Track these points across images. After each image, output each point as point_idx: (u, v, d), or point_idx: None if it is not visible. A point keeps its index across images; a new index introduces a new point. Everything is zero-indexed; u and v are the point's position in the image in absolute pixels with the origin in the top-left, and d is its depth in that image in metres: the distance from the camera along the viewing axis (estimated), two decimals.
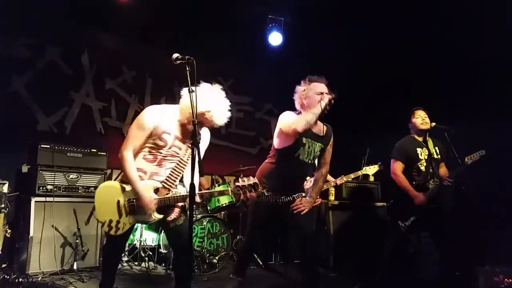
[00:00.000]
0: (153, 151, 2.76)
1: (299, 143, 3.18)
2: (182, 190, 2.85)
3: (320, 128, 3.30)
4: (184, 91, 2.70)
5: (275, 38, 5.97)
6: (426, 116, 4.03)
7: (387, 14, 4.97)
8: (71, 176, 4.30)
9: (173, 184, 2.80)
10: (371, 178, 5.31)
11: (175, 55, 2.47)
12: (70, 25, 5.07)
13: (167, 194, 2.75)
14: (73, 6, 4.89)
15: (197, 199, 2.63)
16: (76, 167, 4.33)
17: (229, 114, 2.80)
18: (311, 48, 6.01)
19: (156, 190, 2.74)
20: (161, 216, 2.74)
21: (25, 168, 4.35)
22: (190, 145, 2.74)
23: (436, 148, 4.08)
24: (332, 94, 3.13)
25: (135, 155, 2.77)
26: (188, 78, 2.42)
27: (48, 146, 4.21)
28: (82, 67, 5.34)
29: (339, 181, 4.81)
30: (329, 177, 4.99)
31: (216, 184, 4.93)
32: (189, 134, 2.72)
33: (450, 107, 4.62)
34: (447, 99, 4.77)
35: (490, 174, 4.20)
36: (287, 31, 5.95)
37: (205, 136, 2.95)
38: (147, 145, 2.76)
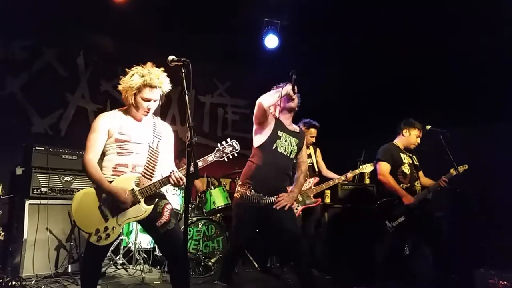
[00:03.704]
0: (123, 145, 2.74)
1: (275, 136, 3.33)
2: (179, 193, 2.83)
3: (294, 127, 3.51)
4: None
5: (271, 41, 5.98)
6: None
7: (385, 16, 4.98)
8: (65, 179, 4.27)
9: (152, 173, 2.77)
10: (367, 181, 5.32)
11: (171, 57, 2.47)
12: (66, 27, 5.07)
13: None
14: (69, 8, 4.88)
15: (178, 175, 2.66)
16: (71, 169, 4.30)
17: (166, 76, 2.79)
18: (307, 51, 6.02)
19: (138, 183, 2.70)
20: (150, 207, 2.70)
21: (19, 170, 4.32)
22: (155, 134, 2.86)
23: (414, 156, 4.26)
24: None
25: (108, 156, 2.76)
26: (184, 81, 2.42)
27: (43, 148, 4.18)
28: (77, 69, 5.34)
29: (344, 176, 4.86)
30: (333, 175, 5.02)
31: (212, 187, 4.91)
32: (145, 121, 2.86)
33: (449, 110, 4.65)
34: (447, 102, 4.79)
35: (485, 177, 4.23)
36: (283, 33, 5.96)
37: (167, 129, 2.99)
38: (113, 143, 2.74)
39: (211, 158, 2.76)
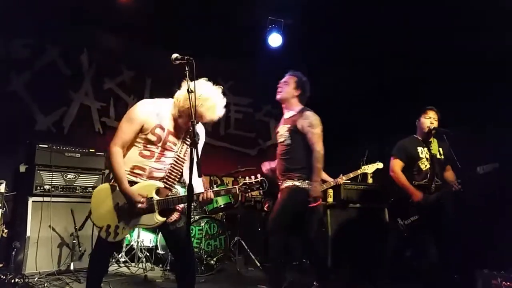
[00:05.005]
0: (148, 146, 2.64)
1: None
2: (181, 191, 2.82)
3: (290, 113, 3.72)
4: (184, 84, 2.59)
5: (275, 40, 5.98)
6: (436, 118, 4.00)
7: (387, 16, 4.97)
8: (68, 176, 4.28)
9: (174, 182, 2.71)
10: (370, 180, 5.30)
11: (174, 55, 2.45)
12: (70, 25, 5.07)
13: (168, 194, 2.66)
14: (72, 6, 4.88)
15: (210, 195, 2.61)
16: (74, 167, 4.33)
17: (222, 110, 2.66)
18: (310, 50, 6.01)
19: (157, 191, 2.63)
20: (163, 219, 2.63)
21: (22, 168, 4.34)
22: (186, 141, 2.72)
23: (440, 149, 4.05)
24: None
25: (130, 151, 2.66)
26: (187, 79, 2.42)
27: (46, 146, 4.20)
28: (81, 67, 5.34)
29: (339, 180, 4.82)
30: (328, 177, 5.00)
31: (215, 185, 4.92)
32: (183, 129, 2.71)
33: (451, 110, 4.62)
34: (449, 102, 4.77)
35: (486, 176, 4.20)
36: (286, 32, 5.95)
37: (201, 134, 2.79)
38: (140, 140, 2.65)
39: (234, 190, 2.68)
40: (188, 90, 2.38)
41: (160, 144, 2.65)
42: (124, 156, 2.64)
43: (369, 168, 4.89)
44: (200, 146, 2.77)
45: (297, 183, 3.51)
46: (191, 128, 2.34)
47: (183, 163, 2.74)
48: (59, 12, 4.89)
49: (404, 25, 4.88)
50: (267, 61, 6.20)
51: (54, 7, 4.79)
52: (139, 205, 2.55)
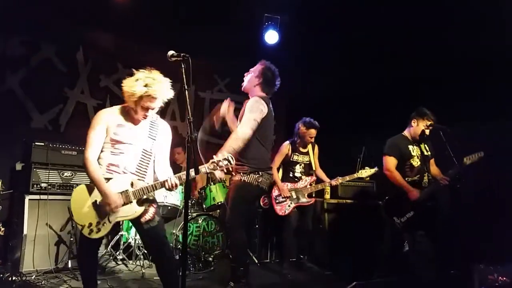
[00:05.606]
0: (116, 145, 2.82)
1: None
2: (169, 194, 2.89)
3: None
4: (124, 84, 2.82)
5: (271, 37, 5.96)
6: (432, 125, 4.04)
7: (387, 16, 4.96)
8: (65, 174, 4.27)
9: (145, 173, 2.88)
10: (366, 178, 5.31)
11: (170, 52, 2.48)
12: (65, 22, 5.04)
13: (141, 185, 2.81)
14: (68, 3, 4.85)
15: (175, 180, 2.73)
16: (70, 165, 4.32)
17: (170, 87, 2.84)
18: (307, 47, 6.00)
19: (132, 184, 2.80)
20: (142, 209, 2.80)
21: (19, 166, 4.33)
22: (150, 137, 2.92)
23: (426, 145, 4.13)
24: None
25: (102, 153, 2.83)
26: (184, 76, 2.42)
27: (43, 144, 4.19)
28: (77, 64, 5.32)
29: (334, 182, 4.82)
30: (324, 177, 5.00)
31: (212, 182, 4.91)
32: (144, 125, 2.93)
33: (447, 108, 4.63)
34: (449, 102, 4.77)
35: (485, 172, 4.22)
36: (283, 29, 5.93)
37: (165, 130, 3.04)
38: (108, 142, 2.82)
39: (204, 169, 2.77)
40: (183, 88, 2.40)
41: (125, 141, 2.83)
42: (98, 159, 2.84)
43: (365, 173, 4.89)
44: (167, 143, 3.01)
45: (244, 178, 3.39)
46: (188, 125, 2.36)
47: (150, 156, 2.91)
48: (54, 10, 4.85)
49: (404, 25, 4.87)
50: (264, 58, 6.18)
51: (49, 5, 4.76)
52: (114, 208, 2.71)
